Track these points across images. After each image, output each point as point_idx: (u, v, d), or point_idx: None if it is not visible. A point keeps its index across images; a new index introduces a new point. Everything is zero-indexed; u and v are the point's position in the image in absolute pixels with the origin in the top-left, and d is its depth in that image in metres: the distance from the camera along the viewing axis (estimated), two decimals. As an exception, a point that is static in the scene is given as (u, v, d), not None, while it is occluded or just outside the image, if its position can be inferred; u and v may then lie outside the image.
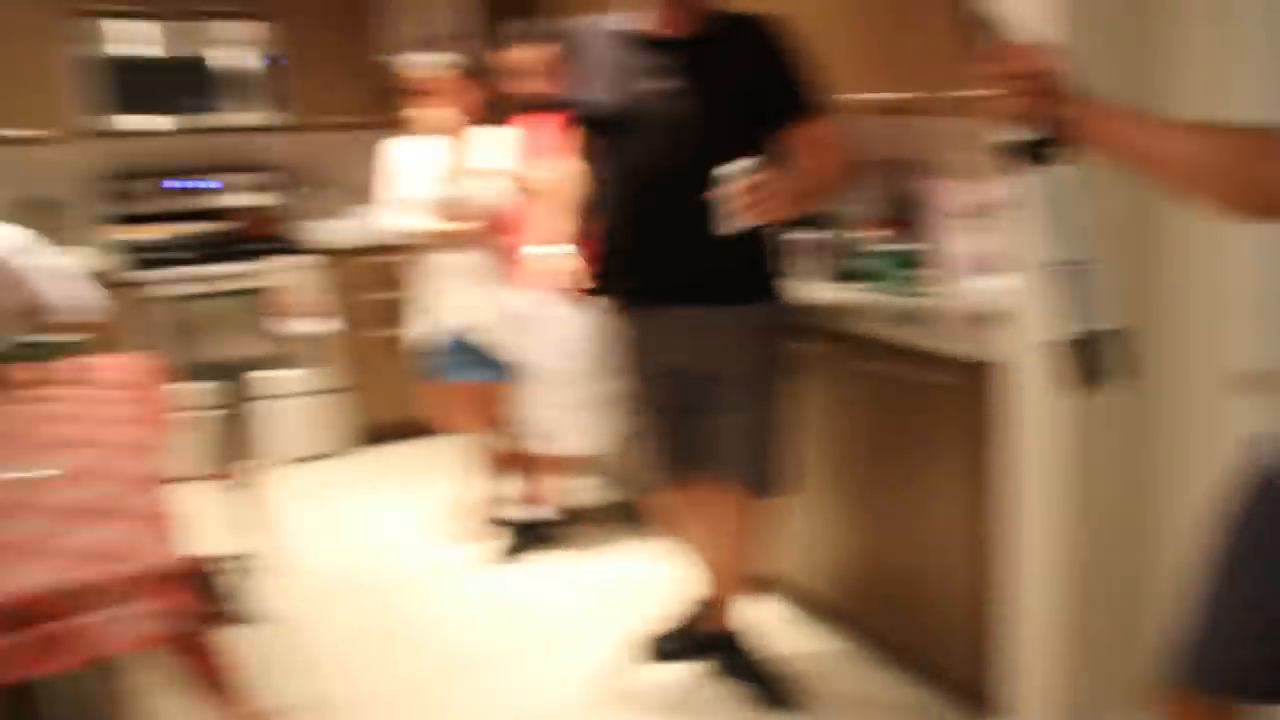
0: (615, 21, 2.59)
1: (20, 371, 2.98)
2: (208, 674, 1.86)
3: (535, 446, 3.73)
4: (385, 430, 5.09)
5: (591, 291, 2.85)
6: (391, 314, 4.89)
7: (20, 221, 3.99)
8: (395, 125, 5.08)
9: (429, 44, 5.12)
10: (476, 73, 3.59)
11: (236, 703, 1.91)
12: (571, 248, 2.94)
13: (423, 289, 3.79)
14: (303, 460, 4.85)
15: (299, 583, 3.40)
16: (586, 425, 3.62)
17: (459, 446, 4.12)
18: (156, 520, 1.97)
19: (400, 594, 3.59)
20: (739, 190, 2.27)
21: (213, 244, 4.91)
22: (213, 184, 5.13)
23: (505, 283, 3.64)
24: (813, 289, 3.08)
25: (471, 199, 3.57)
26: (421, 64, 3.60)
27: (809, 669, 2.93)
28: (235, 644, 1.94)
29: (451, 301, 3.70)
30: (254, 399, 2.49)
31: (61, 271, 3.56)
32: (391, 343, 4.90)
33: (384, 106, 5.08)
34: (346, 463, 4.94)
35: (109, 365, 3.35)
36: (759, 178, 2.28)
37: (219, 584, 1.89)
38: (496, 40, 3.63)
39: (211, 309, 4.73)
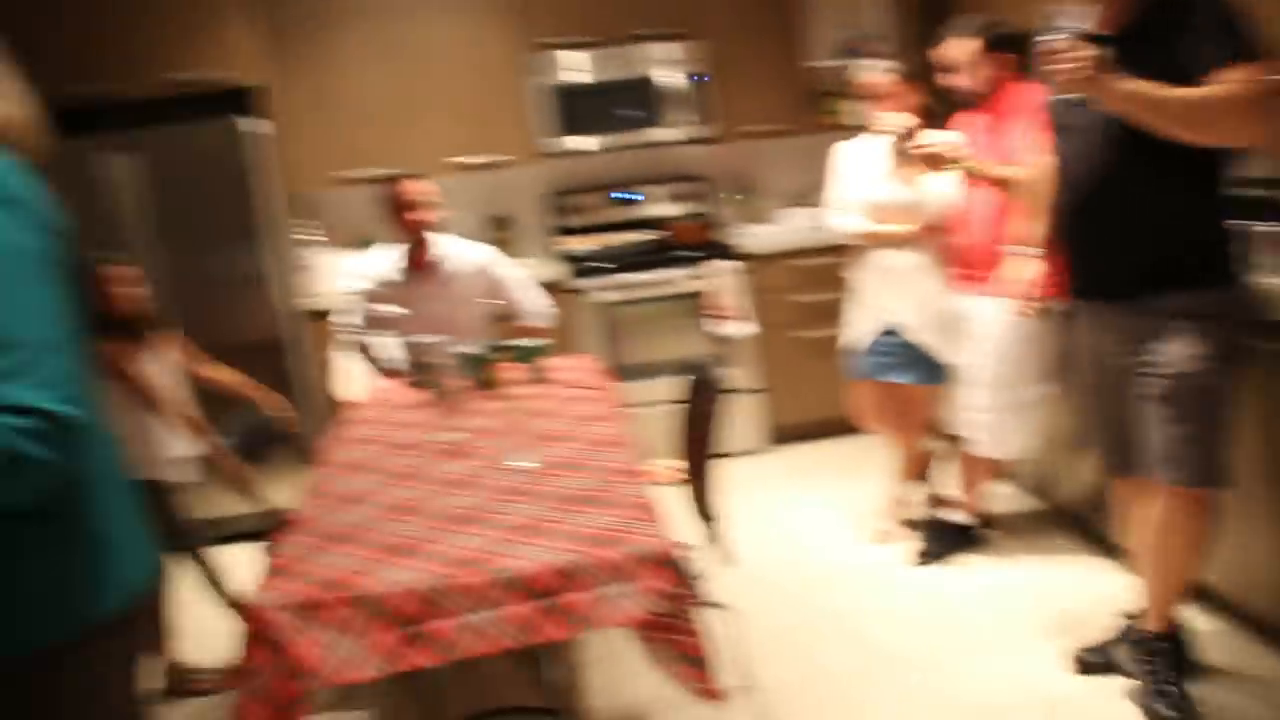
0: (1072, 15, 2.54)
1: (501, 372, 3.36)
2: (686, 651, 2.02)
3: (964, 450, 3.70)
4: (803, 429, 5.22)
5: (1051, 294, 2.84)
6: (812, 316, 5.04)
7: (483, 237, 4.51)
8: (821, 130, 5.22)
9: (856, 49, 5.21)
10: (917, 75, 3.62)
11: (708, 680, 2.06)
12: (1038, 249, 2.92)
13: (860, 289, 3.87)
14: (724, 456, 5.06)
15: (734, 572, 3.58)
16: (1016, 430, 3.55)
17: (881, 447, 4.17)
18: (642, 509, 2.17)
19: (824, 589, 3.67)
20: (1055, 48, 2.36)
21: (645, 252, 5.25)
22: (640, 196, 5.50)
23: (944, 283, 3.65)
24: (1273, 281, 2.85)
25: (917, 200, 3.60)
26: (865, 69, 3.66)
27: (1240, 690, 2.72)
28: (705, 626, 2.10)
29: (888, 302, 3.75)
30: (716, 396, 2.66)
31: (524, 281, 3.98)
32: (811, 344, 5.04)
33: (809, 112, 5.25)
34: (766, 460, 5.11)
35: (564, 366, 3.71)
36: (1077, 44, 2.34)
37: (691, 570, 2.04)
38: (930, 39, 3.64)
39: (645, 313, 5.06)
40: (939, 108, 3.63)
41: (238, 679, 1.93)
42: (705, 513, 2.56)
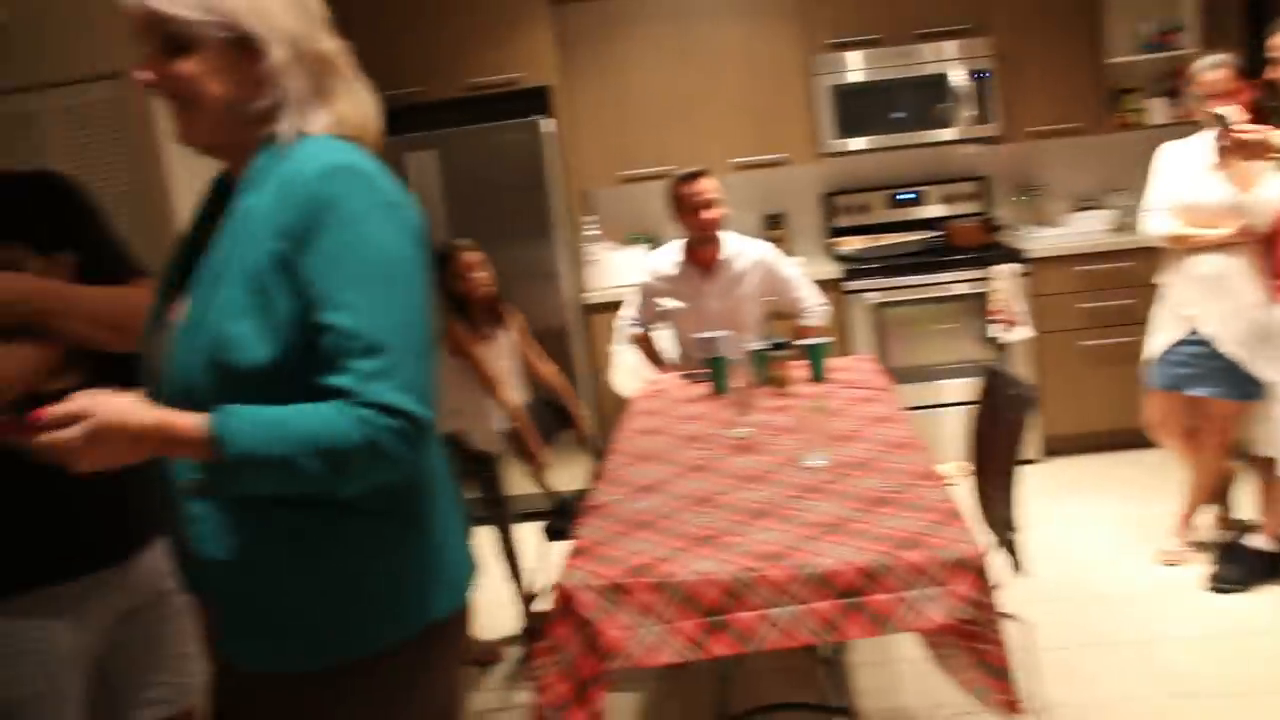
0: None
1: (786, 369, 3.38)
2: (989, 660, 1.98)
3: (1276, 470, 3.44)
4: (1079, 441, 4.97)
5: None
6: (1098, 322, 4.81)
7: (757, 234, 4.54)
8: (1116, 129, 4.98)
9: (1161, 43, 4.93)
10: (1247, 70, 3.39)
11: (1009, 692, 2.00)
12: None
13: (1169, 294, 3.66)
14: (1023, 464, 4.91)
15: (1018, 584, 3.47)
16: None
17: (1171, 462, 3.93)
18: (948, 513, 2.14)
19: (1110, 609, 3.49)
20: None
21: (919, 253, 5.13)
22: (915, 196, 5.39)
23: (1263, 293, 3.40)
24: None
25: (1239, 202, 3.37)
26: (1200, 64, 3.45)
27: None
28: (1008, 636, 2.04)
29: (1199, 309, 3.53)
30: (1023, 404, 2.58)
31: (801, 279, 3.98)
32: (1095, 351, 4.81)
33: (1104, 110, 5.01)
34: (1040, 471, 4.90)
35: (845, 366, 3.69)
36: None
37: (995, 578, 1.99)
38: (1247, 31, 3.40)
39: (915, 315, 4.96)
40: (1272, 105, 3.38)
41: (543, 653, 2.02)
42: (1003, 521, 2.49)
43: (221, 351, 1.31)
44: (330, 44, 1.46)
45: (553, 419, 3.64)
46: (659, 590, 1.98)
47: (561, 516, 3.35)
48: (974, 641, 1.98)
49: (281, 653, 1.39)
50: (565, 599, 2.02)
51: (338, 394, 1.29)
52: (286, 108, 1.40)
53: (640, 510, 2.37)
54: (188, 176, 3.83)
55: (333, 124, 1.43)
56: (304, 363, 1.31)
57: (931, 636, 2.12)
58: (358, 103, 1.47)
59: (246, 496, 1.34)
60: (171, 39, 1.37)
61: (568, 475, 4.17)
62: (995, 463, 2.62)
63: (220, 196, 1.53)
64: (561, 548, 3.43)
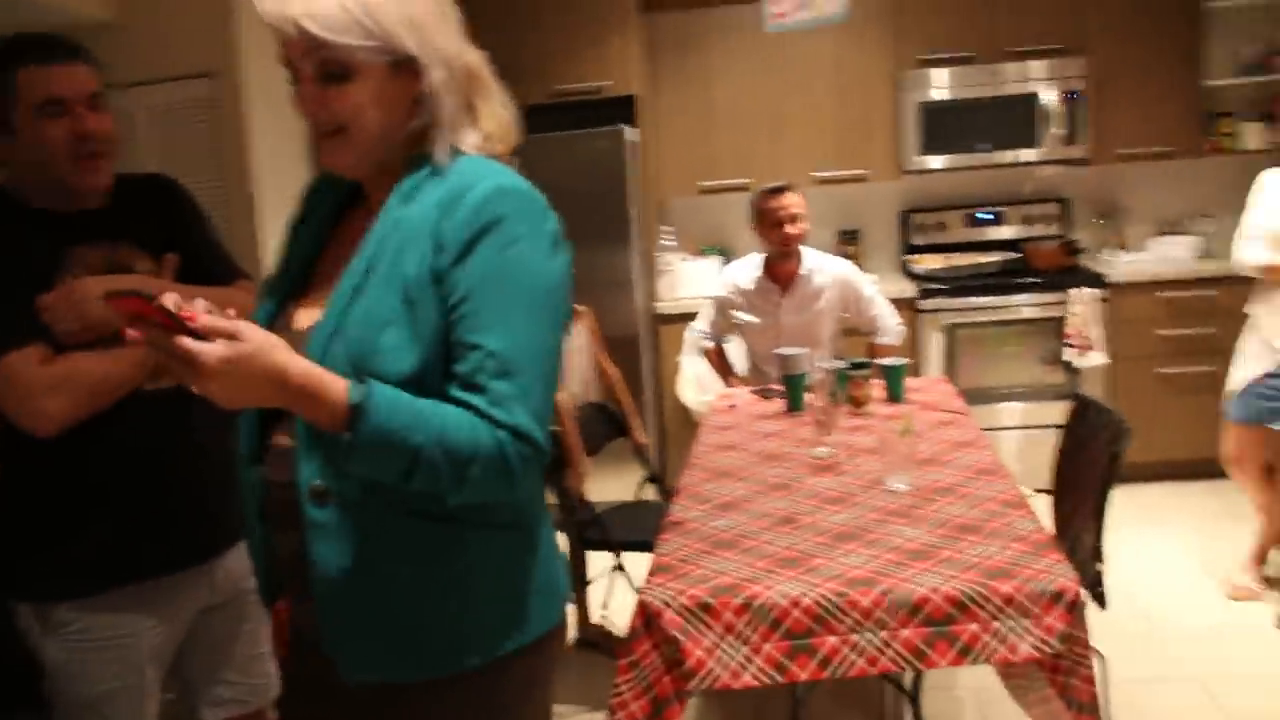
0: None
1: (865, 389, 3.35)
2: (1077, 697, 1.95)
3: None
4: (1151, 469, 4.87)
5: None
6: (1176, 350, 4.73)
7: (832, 250, 4.51)
8: (1208, 153, 4.89)
9: (1263, 66, 4.83)
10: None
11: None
12: None
13: (1258, 325, 3.59)
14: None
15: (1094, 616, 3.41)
16: None
17: (1246, 496, 3.85)
18: (1038, 543, 2.11)
19: (1179, 643, 3.43)
20: None
21: (996, 274, 5.07)
22: (993, 217, 5.33)
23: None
24: None
25: None
26: None
27: None
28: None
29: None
30: (1119, 434, 2.54)
31: (881, 298, 3.95)
32: (1171, 380, 4.73)
33: (1197, 134, 4.91)
34: (1115, 496, 4.80)
35: (922, 387, 3.65)
36: None
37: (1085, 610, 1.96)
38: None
39: (988, 336, 4.90)
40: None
41: (622, 668, 2.02)
42: (1090, 553, 2.45)
43: (367, 360, 1.30)
44: (474, 56, 1.44)
45: (606, 424, 3.63)
46: (744, 611, 1.98)
47: (596, 527, 3.37)
48: (1061, 675, 1.95)
49: (395, 662, 1.38)
50: (649, 616, 2.01)
51: (470, 409, 1.29)
52: (440, 128, 1.39)
53: (721, 528, 2.37)
54: (274, 180, 3.89)
55: (482, 142, 1.42)
56: (439, 375, 1.32)
57: (1009, 666, 2.09)
58: (500, 119, 1.46)
59: (370, 506, 1.34)
60: (332, 65, 1.33)
61: (617, 484, 4.18)
62: (1082, 493, 2.58)
63: (325, 203, 1.53)
64: (596, 558, 3.48)
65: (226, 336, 1.18)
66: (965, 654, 1.94)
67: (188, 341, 1.16)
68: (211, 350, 1.16)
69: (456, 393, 1.30)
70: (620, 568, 3.47)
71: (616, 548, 3.40)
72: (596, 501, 3.52)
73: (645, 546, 3.37)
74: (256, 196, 3.89)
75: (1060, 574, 1.96)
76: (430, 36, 1.36)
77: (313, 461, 1.33)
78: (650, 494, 3.85)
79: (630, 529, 3.41)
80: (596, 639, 3.60)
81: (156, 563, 2.00)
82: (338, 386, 1.24)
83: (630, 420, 3.69)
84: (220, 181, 3.93)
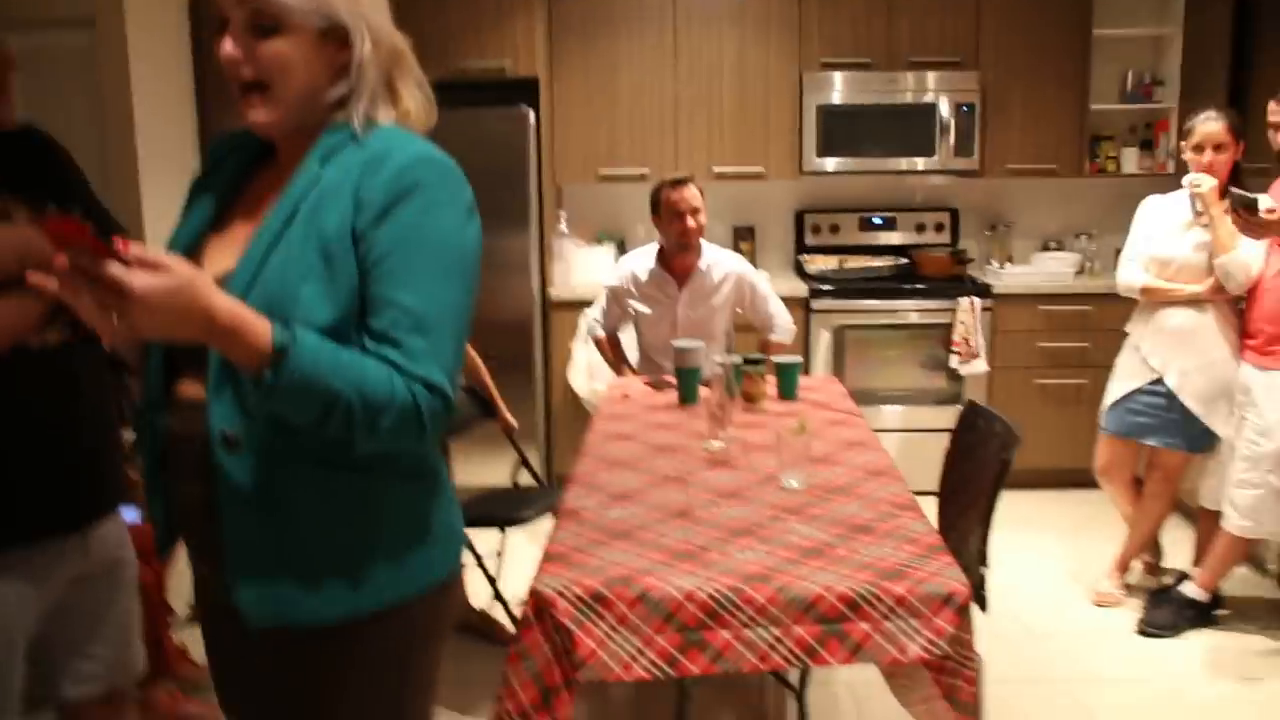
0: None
1: (759, 385, 3.35)
2: (960, 698, 1.98)
3: (1222, 526, 3.50)
4: (1024, 477, 4.96)
5: None
6: (1055, 362, 4.88)
7: (726, 246, 4.52)
8: (1090, 174, 5.06)
9: (1143, 94, 5.01)
10: (1239, 129, 3.44)
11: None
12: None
13: (1136, 344, 3.72)
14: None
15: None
16: (1270, 510, 3.35)
17: (1113, 505, 4.00)
18: (929, 546, 2.13)
19: (1044, 646, 3.55)
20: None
21: (885, 278, 5.14)
22: (885, 222, 5.42)
23: (1228, 350, 3.49)
24: None
25: (1225, 264, 3.41)
26: (1201, 118, 3.47)
27: None
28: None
29: (1162, 360, 3.59)
30: (1007, 442, 2.59)
31: (774, 296, 3.98)
32: (1049, 390, 4.88)
33: (1080, 155, 5.08)
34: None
35: (812, 386, 3.68)
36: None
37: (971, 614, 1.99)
38: (1229, 90, 3.47)
39: (874, 339, 4.99)
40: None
41: (512, 657, 1.98)
42: (975, 557, 2.50)
43: (285, 309, 1.32)
44: (400, 38, 1.50)
45: (472, 405, 3.57)
46: (639, 603, 1.95)
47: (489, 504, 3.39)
48: (947, 676, 1.98)
49: (298, 605, 1.41)
50: (542, 605, 1.97)
51: (384, 362, 1.34)
52: (359, 98, 1.44)
53: (616, 519, 2.34)
54: (159, 145, 3.71)
55: (398, 119, 1.49)
56: (351, 328, 1.37)
57: (895, 666, 2.11)
58: (419, 100, 1.52)
59: (279, 453, 1.37)
60: (265, 18, 1.36)
61: (484, 469, 4.16)
62: (969, 497, 2.63)
63: (232, 161, 1.54)
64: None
65: (156, 268, 1.17)
66: (856, 653, 1.95)
67: (119, 268, 1.14)
68: (142, 279, 1.15)
69: (371, 346, 1.35)
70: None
71: (501, 523, 3.44)
72: (470, 487, 3.50)
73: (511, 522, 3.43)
74: (139, 154, 3.72)
75: (951, 577, 1.98)
76: (364, 9, 1.43)
77: (224, 405, 1.36)
78: (525, 479, 3.86)
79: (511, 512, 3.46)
80: (477, 624, 3.55)
81: (31, 526, 1.89)
82: (262, 326, 1.26)
83: (495, 403, 3.63)
84: (97, 137, 3.74)
